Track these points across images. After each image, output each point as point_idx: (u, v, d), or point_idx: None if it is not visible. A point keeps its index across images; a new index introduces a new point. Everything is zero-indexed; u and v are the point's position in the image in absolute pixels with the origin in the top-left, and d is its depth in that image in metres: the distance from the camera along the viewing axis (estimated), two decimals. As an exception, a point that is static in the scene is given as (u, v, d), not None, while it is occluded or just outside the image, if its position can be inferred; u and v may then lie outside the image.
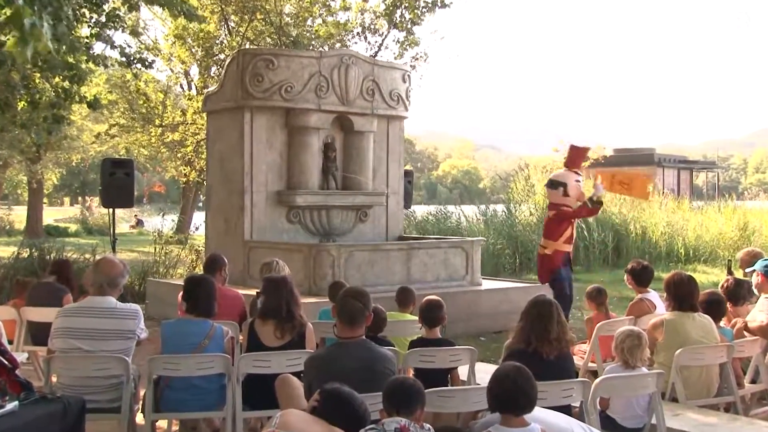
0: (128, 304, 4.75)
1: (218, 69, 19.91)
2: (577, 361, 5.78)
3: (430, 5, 18.95)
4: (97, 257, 9.67)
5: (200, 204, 27.40)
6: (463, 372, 5.05)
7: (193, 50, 20.17)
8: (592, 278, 14.53)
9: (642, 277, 6.29)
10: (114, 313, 4.55)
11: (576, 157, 8.62)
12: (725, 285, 6.05)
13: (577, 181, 8.43)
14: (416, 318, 5.63)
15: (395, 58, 19.71)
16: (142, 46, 19.00)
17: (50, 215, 36.87)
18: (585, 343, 6.33)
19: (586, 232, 17.13)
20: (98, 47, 10.73)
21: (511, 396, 3.15)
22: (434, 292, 7.97)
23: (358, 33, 20.24)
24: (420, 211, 18.85)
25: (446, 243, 10.33)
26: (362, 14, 19.94)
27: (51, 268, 7.11)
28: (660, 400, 4.42)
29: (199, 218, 20.03)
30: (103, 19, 10.64)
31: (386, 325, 5.17)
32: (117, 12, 10.93)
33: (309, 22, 19.60)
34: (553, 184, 8.44)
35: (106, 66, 11.07)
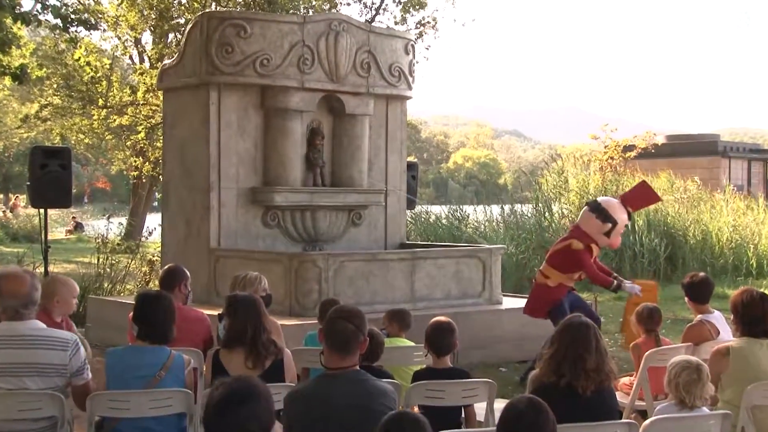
0: (62, 331, 4.72)
1: (177, 37, 19.93)
2: (621, 397, 5.80)
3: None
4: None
5: (155, 204, 27.40)
6: (479, 410, 5.06)
7: (145, 13, 20.18)
8: (640, 296, 14.53)
9: (700, 291, 6.31)
10: (37, 342, 4.48)
11: (642, 198, 8.61)
12: None
13: (625, 225, 8.39)
14: (414, 344, 5.66)
15: (396, 25, 19.75)
16: (81, 6, 19.02)
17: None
18: (631, 375, 6.35)
19: (632, 237, 17.16)
20: (27, 5, 10.71)
21: None
22: (444, 312, 7.99)
23: (350, -8, 20.27)
24: (432, 211, 18.82)
25: (458, 252, 10.35)
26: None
27: None
28: (725, 446, 4.43)
29: (153, 221, 20.02)
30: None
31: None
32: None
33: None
34: (600, 213, 8.21)
35: (38, 24, 11.00)
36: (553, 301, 8.23)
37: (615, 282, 8.22)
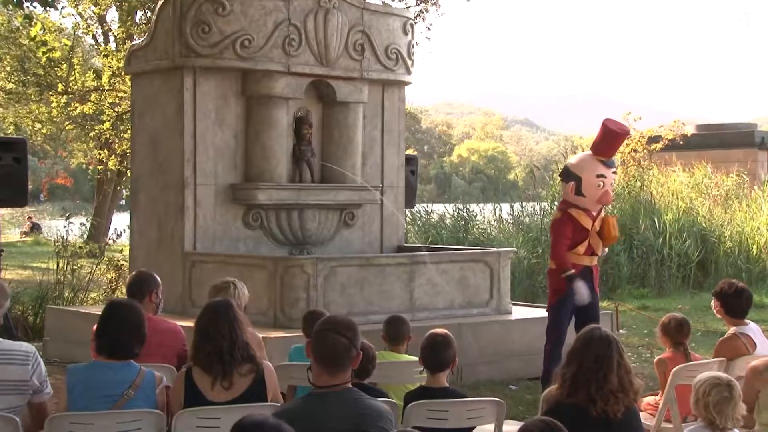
0: (19, 342, 4.73)
1: (146, 14, 19.92)
2: (646, 419, 5.82)
3: None
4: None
5: (122, 202, 27.37)
6: (487, 434, 5.08)
7: (111, -13, 20.16)
8: (667, 305, 14.58)
9: (736, 304, 6.33)
10: None
11: (609, 141, 8.47)
12: None
13: (600, 176, 8.24)
14: (415, 359, 5.67)
15: (393, 1, 19.75)
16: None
17: None
18: (657, 394, 6.37)
19: (659, 240, 17.18)
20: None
21: None
22: (447, 323, 8.00)
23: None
24: (436, 210, 18.81)
25: (463, 256, 10.38)
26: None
27: None
28: (761, 474, 4.45)
29: (120, 222, 20.01)
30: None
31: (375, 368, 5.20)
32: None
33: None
34: (564, 174, 8.55)
35: None
36: (553, 289, 8.32)
37: (572, 270, 8.11)
